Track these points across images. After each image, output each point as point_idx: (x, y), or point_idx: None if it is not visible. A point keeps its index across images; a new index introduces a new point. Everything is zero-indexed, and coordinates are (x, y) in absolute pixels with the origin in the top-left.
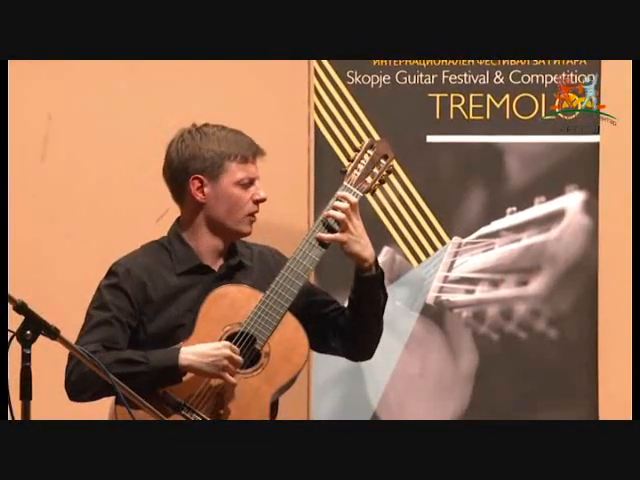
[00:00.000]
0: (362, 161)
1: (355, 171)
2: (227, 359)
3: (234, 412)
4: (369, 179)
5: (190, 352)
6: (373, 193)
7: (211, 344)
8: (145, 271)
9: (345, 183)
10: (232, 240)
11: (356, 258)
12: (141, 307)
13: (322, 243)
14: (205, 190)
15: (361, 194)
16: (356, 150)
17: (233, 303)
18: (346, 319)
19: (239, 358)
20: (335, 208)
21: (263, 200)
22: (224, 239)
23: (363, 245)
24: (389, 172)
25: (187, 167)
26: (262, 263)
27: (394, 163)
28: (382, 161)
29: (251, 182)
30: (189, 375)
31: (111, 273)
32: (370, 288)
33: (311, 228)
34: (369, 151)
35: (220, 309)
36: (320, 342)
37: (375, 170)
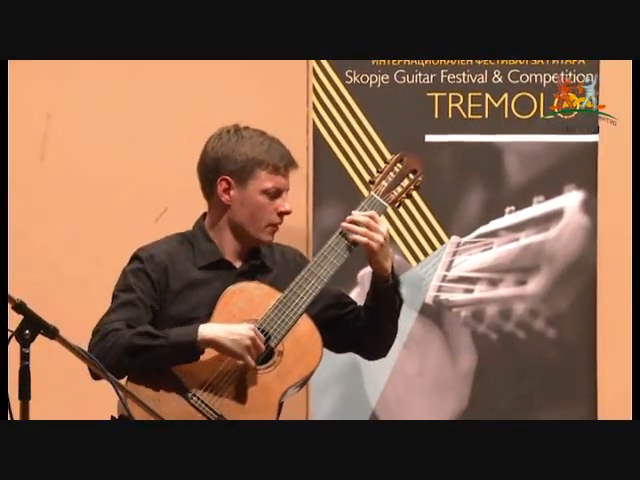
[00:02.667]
0: (391, 173)
1: (383, 182)
2: (251, 340)
3: (243, 406)
4: (396, 191)
5: (216, 326)
6: (399, 206)
7: (237, 324)
8: (168, 258)
9: (372, 193)
10: (253, 244)
11: (379, 267)
12: (162, 292)
13: (344, 249)
14: (231, 193)
15: (387, 205)
16: (385, 162)
17: (251, 299)
18: (362, 321)
19: (261, 344)
20: (358, 223)
21: (287, 213)
22: (245, 242)
23: (386, 255)
24: (417, 187)
25: (218, 166)
26: (284, 264)
27: (422, 179)
28: (410, 175)
29: (278, 193)
30: (202, 363)
31: (135, 258)
32: (387, 296)
33: (335, 233)
34: (398, 164)
35: (238, 303)
36: (338, 342)
37: (402, 183)
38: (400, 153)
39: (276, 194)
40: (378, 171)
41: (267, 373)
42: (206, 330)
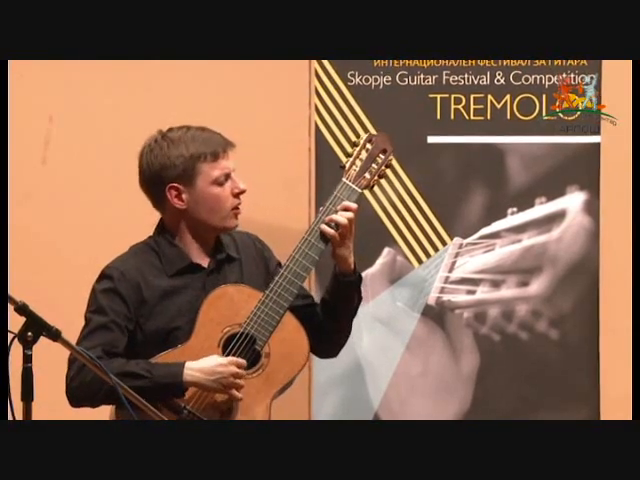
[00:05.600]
0: (360, 156)
1: (354, 167)
2: (233, 376)
3: (235, 414)
4: (368, 175)
5: (195, 369)
6: (372, 189)
7: (216, 360)
8: (138, 272)
9: (344, 179)
10: (217, 234)
11: (343, 261)
12: (137, 309)
13: (321, 242)
14: (183, 197)
15: (360, 190)
16: (355, 145)
17: (232, 303)
18: (318, 317)
19: (244, 373)
20: (341, 211)
21: (243, 192)
22: (210, 236)
23: (351, 249)
24: (388, 166)
25: (161, 177)
26: (245, 250)
27: (392, 159)
28: (381, 155)
29: (227, 177)
30: None
31: (105, 277)
32: (349, 291)
33: (310, 227)
34: (368, 145)
35: (219, 310)
36: None
37: (374, 165)
38: (368, 134)
39: (225, 179)
40: (348, 155)
41: (256, 377)
42: (187, 372)
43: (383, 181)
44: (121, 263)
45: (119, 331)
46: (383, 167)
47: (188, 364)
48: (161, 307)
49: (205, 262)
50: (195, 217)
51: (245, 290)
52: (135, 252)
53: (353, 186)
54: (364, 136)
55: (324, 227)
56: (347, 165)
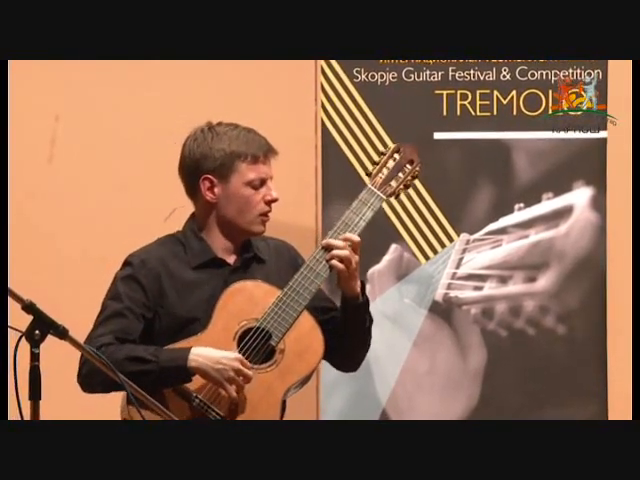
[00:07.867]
0: (387, 165)
1: (380, 174)
2: (235, 372)
3: (245, 407)
4: (393, 183)
5: (201, 355)
6: (397, 197)
7: (224, 352)
8: (160, 262)
9: (370, 186)
10: (245, 238)
11: (348, 289)
12: (156, 298)
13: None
14: (215, 190)
15: (385, 197)
16: (382, 154)
17: (250, 298)
18: (333, 333)
19: (249, 373)
20: (340, 247)
21: (275, 200)
22: (237, 237)
23: (356, 277)
24: (414, 177)
25: (198, 166)
26: (278, 257)
27: (419, 170)
28: (408, 166)
29: (262, 183)
30: None
31: (126, 264)
32: (357, 315)
33: (333, 229)
34: (395, 155)
35: (237, 303)
36: None
37: (400, 174)
38: (397, 144)
39: (260, 184)
40: (375, 162)
41: (269, 372)
42: (191, 357)
43: None
44: (144, 252)
45: (134, 318)
46: (409, 177)
47: (195, 349)
48: (181, 299)
49: (230, 259)
50: (223, 214)
51: (263, 286)
52: (161, 242)
53: (378, 192)
54: (392, 146)
55: (332, 262)
56: (374, 172)
